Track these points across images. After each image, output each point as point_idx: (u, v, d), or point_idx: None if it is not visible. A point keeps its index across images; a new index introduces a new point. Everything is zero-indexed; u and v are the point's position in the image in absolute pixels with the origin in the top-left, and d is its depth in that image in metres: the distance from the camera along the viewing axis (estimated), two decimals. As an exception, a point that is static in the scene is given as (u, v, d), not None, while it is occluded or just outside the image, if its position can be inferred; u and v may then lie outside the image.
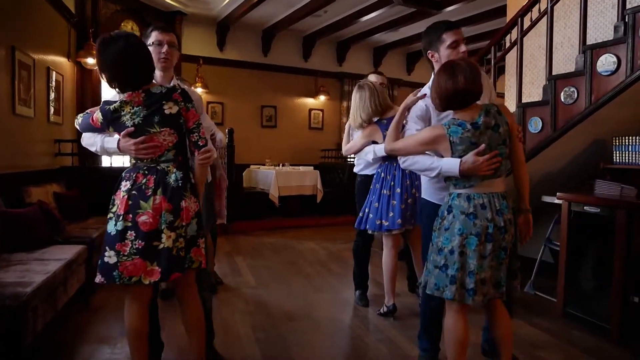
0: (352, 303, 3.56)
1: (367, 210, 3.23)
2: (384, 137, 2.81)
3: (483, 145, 1.90)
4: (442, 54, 2.13)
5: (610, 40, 2.99)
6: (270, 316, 3.26)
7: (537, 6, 3.63)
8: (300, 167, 7.39)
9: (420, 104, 2.17)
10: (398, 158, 2.22)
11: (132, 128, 1.89)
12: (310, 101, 8.77)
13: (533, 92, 4.53)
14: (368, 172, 3.42)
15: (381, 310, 3.28)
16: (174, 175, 1.93)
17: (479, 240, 1.90)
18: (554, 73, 3.61)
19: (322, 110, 8.90)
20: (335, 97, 8.96)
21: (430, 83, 2.17)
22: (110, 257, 1.88)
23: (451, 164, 1.94)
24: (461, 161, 1.92)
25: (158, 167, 1.93)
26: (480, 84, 1.95)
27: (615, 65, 2.89)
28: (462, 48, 2.11)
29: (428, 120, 2.17)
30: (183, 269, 1.95)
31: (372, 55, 9.34)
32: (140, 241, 1.86)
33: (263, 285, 4.00)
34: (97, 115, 1.95)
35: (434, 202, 2.28)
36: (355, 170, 3.64)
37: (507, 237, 1.95)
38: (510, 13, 5.01)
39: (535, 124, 3.45)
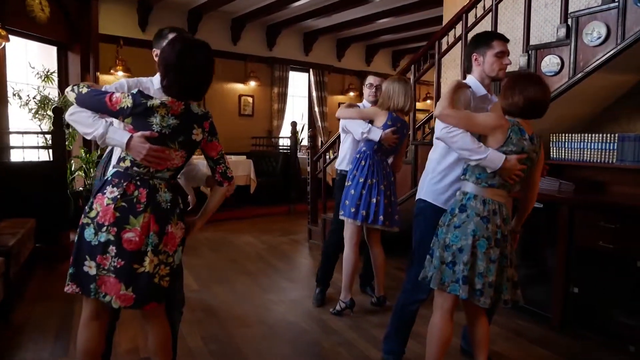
0: (303, 304, 3.47)
1: (346, 201, 3.14)
2: (388, 126, 3.04)
3: (525, 155, 2.02)
4: (486, 59, 2.24)
5: (553, 42, 3.10)
6: (220, 324, 3.08)
7: (481, 3, 3.69)
8: (232, 157, 7.12)
9: (467, 92, 2.25)
10: (439, 129, 2.11)
11: (157, 134, 1.73)
12: (240, 87, 8.45)
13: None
14: (348, 167, 3.35)
15: (337, 308, 3.24)
16: (164, 195, 1.78)
17: (489, 244, 1.99)
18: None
19: (252, 96, 8.61)
20: (266, 82, 8.70)
21: (472, 80, 2.29)
22: (90, 267, 1.71)
23: (497, 157, 1.99)
24: (506, 158, 1.99)
25: (151, 182, 1.76)
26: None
27: (559, 67, 3.01)
28: (506, 60, 2.25)
29: (467, 104, 2.23)
30: (161, 300, 1.79)
31: (302, 41, 9.17)
32: (120, 259, 1.69)
33: (206, 287, 3.79)
34: (123, 99, 1.71)
35: (436, 204, 2.31)
36: (336, 165, 3.61)
37: (508, 247, 2.05)
38: (447, 8, 5.10)
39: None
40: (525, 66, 3.24)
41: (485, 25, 3.92)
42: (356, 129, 3.16)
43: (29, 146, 5.16)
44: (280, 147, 8.58)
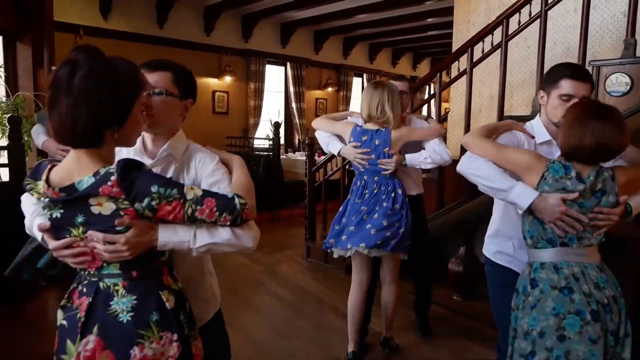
0: (336, 355, 3.02)
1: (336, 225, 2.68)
2: (350, 142, 2.65)
3: (576, 194, 1.57)
4: (550, 101, 1.82)
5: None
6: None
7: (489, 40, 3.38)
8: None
9: (520, 135, 1.91)
10: (460, 161, 1.85)
11: (48, 224, 1.23)
12: (214, 82, 7.77)
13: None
14: None
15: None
16: (122, 301, 1.20)
17: (583, 320, 1.53)
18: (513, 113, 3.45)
19: (227, 92, 7.95)
20: (241, 77, 8.07)
21: (536, 121, 1.93)
22: None
23: (527, 193, 1.64)
24: (540, 195, 1.61)
25: (100, 285, 1.22)
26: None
27: (628, 87, 2.69)
28: None
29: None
30: None
31: (279, 33, 8.56)
32: None
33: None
34: None
35: (501, 264, 1.98)
36: None
37: (614, 318, 1.56)
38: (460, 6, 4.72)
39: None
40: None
41: (528, 37, 3.59)
42: (320, 142, 2.87)
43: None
44: (256, 148, 8.00)
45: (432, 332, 3.25)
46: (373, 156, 2.59)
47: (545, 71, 3.09)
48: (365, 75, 10.41)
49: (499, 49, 3.31)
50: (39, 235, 1.28)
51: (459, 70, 3.66)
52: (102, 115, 1.15)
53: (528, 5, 3.14)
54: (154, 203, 1.16)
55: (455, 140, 4.67)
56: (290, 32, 8.57)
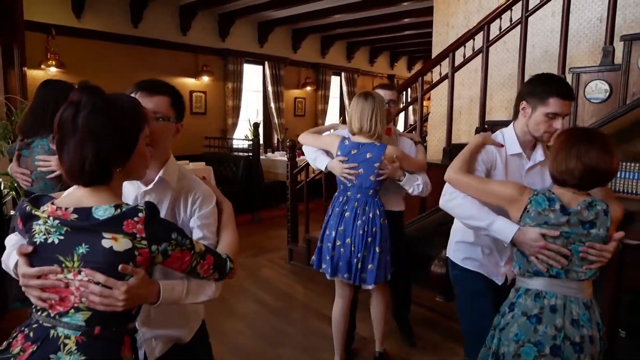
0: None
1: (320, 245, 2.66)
2: (337, 156, 2.54)
3: (557, 232, 1.57)
4: (534, 116, 1.82)
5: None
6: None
7: (470, 43, 3.42)
8: (190, 164, 6.39)
9: (492, 148, 1.93)
10: (442, 196, 1.90)
11: (32, 247, 1.13)
12: (190, 82, 7.63)
13: (462, 129, 4.47)
14: None
15: None
16: (67, 359, 1.06)
17: (540, 352, 1.53)
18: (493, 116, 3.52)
19: (204, 92, 7.83)
20: (219, 77, 7.95)
21: (509, 131, 1.94)
22: None
23: (505, 227, 1.66)
24: (519, 229, 1.62)
25: (51, 332, 1.09)
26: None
27: (607, 94, 2.74)
28: (558, 124, 1.77)
29: (490, 165, 1.92)
30: None
31: (257, 32, 8.47)
32: None
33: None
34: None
35: (470, 269, 2.01)
36: None
37: (582, 358, 1.53)
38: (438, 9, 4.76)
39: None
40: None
41: (507, 40, 3.64)
42: (307, 157, 2.79)
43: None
44: (235, 149, 7.91)
45: (417, 336, 3.27)
46: (362, 170, 2.48)
47: (525, 74, 3.17)
48: (343, 74, 10.41)
49: (480, 54, 3.34)
50: (11, 268, 1.22)
51: (440, 74, 3.69)
52: (108, 153, 1.13)
53: (509, 10, 3.17)
54: (169, 249, 1.15)
55: (436, 143, 4.72)
56: (268, 31, 8.48)
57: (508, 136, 1.94)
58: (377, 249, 2.48)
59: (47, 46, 5.92)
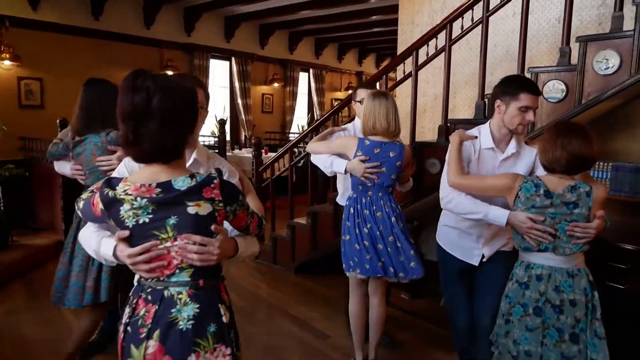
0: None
1: (344, 250, 2.62)
2: (355, 156, 2.55)
3: (542, 217, 1.85)
4: (509, 111, 2.06)
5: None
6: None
7: (434, 42, 3.45)
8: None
9: (467, 144, 2.18)
10: (440, 199, 2.17)
11: (128, 231, 1.29)
12: (154, 77, 7.45)
13: (427, 127, 4.51)
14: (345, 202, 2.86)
15: None
16: (185, 309, 1.27)
17: (525, 312, 1.87)
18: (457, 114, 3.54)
19: (169, 88, 7.65)
20: (185, 72, 7.79)
21: (485, 128, 2.18)
22: None
23: (499, 214, 1.96)
24: (511, 213, 1.92)
25: (165, 293, 1.29)
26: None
27: (564, 94, 2.80)
28: (530, 116, 2.04)
29: (468, 159, 2.17)
30: None
31: (223, 26, 8.33)
32: None
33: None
34: (97, 198, 1.31)
35: (442, 246, 2.35)
36: (338, 200, 3.11)
37: (561, 318, 1.82)
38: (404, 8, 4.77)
39: (433, 166, 3.36)
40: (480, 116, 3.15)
41: (470, 39, 3.68)
42: (321, 165, 2.74)
43: None
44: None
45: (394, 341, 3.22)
46: (384, 169, 2.50)
47: (486, 73, 3.21)
48: (311, 70, 10.37)
49: (443, 52, 3.37)
50: (109, 255, 1.35)
51: (404, 72, 3.70)
52: (184, 131, 1.30)
53: (471, 10, 3.20)
54: (237, 208, 1.36)
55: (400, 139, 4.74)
56: (234, 26, 8.36)
57: (484, 133, 2.18)
58: (398, 243, 2.50)
59: (0, 38, 5.65)
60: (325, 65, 10.63)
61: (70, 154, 2.60)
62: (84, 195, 1.40)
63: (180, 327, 1.25)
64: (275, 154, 4.84)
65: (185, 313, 1.26)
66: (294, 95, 9.94)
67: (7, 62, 5.68)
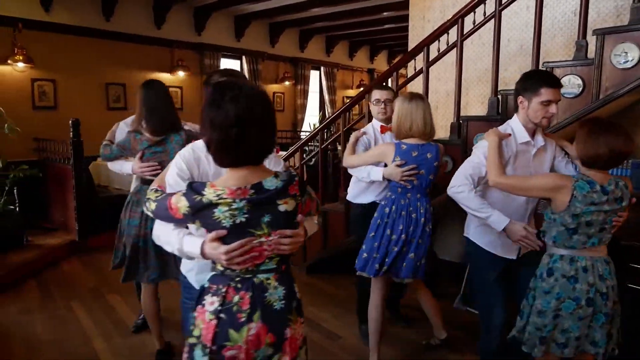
0: None
1: (364, 248, 2.64)
2: (394, 162, 2.55)
3: (534, 230, 2.02)
4: (531, 106, 2.12)
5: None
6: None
7: (445, 37, 3.39)
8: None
9: (504, 143, 2.20)
10: (450, 186, 2.21)
11: (225, 231, 1.40)
12: (166, 77, 7.46)
13: (439, 124, 4.46)
14: (364, 200, 2.95)
15: None
16: (275, 292, 1.46)
17: (577, 305, 1.91)
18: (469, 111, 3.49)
19: (180, 87, 7.67)
20: (195, 72, 7.80)
21: (516, 123, 2.21)
22: None
23: (500, 220, 2.07)
24: (510, 221, 2.06)
25: (255, 280, 1.45)
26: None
27: (580, 89, 2.73)
28: (553, 109, 2.09)
29: (507, 157, 2.19)
30: None
31: (234, 25, 8.33)
32: None
33: (174, 349, 3.09)
34: (179, 203, 1.41)
35: (480, 245, 2.31)
36: (349, 198, 3.09)
37: (608, 304, 1.92)
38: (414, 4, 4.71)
39: (446, 164, 3.28)
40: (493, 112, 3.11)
41: (482, 34, 3.61)
42: (359, 177, 2.83)
43: None
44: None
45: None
46: (423, 171, 2.52)
47: (499, 68, 3.15)
48: (322, 68, 10.33)
49: (455, 48, 3.30)
50: (195, 252, 1.45)
51: (415, 69, 3.64)
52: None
53: (483, 4, 3.13)
54: (306, 198, 1.53)
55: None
56: (245, 25, 8.35)
57: (516, 127, 2.21)
58: (422, 242, 2.56)
59: (13, 40, 5.72)
60: (337, 63, 10.58)
61: (126, 154, 2.79)
62: (152, 196, 1.52)
63: (275, 307, 1.44)
64: (286, 152, 4.81)
65: (277, 295, 1.45)
66: (305, 94, 9.91)
67: (20, 64, 5.74)
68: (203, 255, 1.44)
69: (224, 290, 1.43)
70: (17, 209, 4.82)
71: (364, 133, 2.98)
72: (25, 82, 5.93)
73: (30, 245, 4.81)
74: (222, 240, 1.40)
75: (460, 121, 3.31)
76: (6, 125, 4.56)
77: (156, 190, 1.54)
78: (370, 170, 2.70)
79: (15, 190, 4.85)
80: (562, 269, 1.95)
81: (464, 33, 3.25)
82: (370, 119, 3.24)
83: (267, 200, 1.40)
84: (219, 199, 1.36)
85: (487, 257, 2.31)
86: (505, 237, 2.20)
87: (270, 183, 1.41)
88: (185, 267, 1.85)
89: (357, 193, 3.02)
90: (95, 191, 5.63)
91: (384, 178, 2.62)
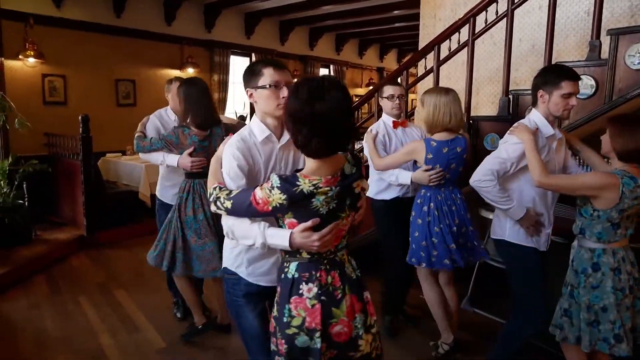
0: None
1: (413, 246, 2.72)
2: (427, 159, 2.57)
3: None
4: (552, 99, 2.15)
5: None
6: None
7: (456, 36, 3.36)
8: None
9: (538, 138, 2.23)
10: (474, 178, 2.25)
11: (319, 220, 1.49)
12: (175, 73, 7.42)
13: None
14: (387, 196, 2.98)
15: (439, 351, 2.89)
16: (350, 265, 1.64)
17: (624, 294, 1.99)
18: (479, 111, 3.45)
19: (189, 84, 7.68)
20: (205, 69, 7.80)
21: (538, 117, 2.21)
22: None
23: (517, 212, 2.20)
24: (528, 210, 2.20)
25: (337, 258, 1.60)
26: None
27: (593, 90, 2.69)
28: (573, 101, 2.13)
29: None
30: None
31: (244, 23, 8.33)
32: (333, 350, 1.55)
33: (179, 348, 3.08)
34: (272, 196, 1.45)
35: (517, 243, 2.29)
36: (370, 194, 3.07)
37: (638, 288, 2.04)
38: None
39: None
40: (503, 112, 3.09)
41: (494, 33, 3.57)
42: (388, 180, 2.88)
43: None
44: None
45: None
46: (454, 165, 2.58)
47: (511, 68, 3.11)
48: (332, 67, 10.30)
49: (466, 47, 3.27)
50: (284, 245, 1.50)
51: (425, 68, 3.61)
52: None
53: (495, 3, 3.10)
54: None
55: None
56: (254, 22, 8.35)
57: (539, 121, 2.21)
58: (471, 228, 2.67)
59: (25, 36, 5.74)
60: (346, 61, 10.55)
61: (170, 148, 2.88)
62: (222, 194, 1.58)
63: (354, 277, 1.61)
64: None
65: (351, 267, 1.62)
66: (314, 92, 9.87)
67: (31, 60, 5.77)
68: (291, 245, 1.50)
69: (318, 275, 1.54)
70: (27, 203, 4.85)
71: (377, 133, 2.97)
72: (36, 78, 5.97)
73: (38, 239, 4.85)
74: (315, 227, 1.49)
75: (471, 121, 3.28)
76: (17, 120, 4.59)
77: (221, 189, 1.60)
78: (398, 174, 2.77)
79: (24, 185, 4.88)
80: (608, 263, 2.00)
81: (476, 32, 3.22)
82: (379, 117, 3.22)
83: (349, 184, 1.52)
84: (316, 189, 1.44)
85: (534, 254, 2.29)
86: (541, 228, 2.27)
87: (348, 168, 1.52)
88: (234, 263, 1.83)
89: (379, 190, 3.03)
90: (103, 187, 5.66)
91: (412, 182, 2.70)
